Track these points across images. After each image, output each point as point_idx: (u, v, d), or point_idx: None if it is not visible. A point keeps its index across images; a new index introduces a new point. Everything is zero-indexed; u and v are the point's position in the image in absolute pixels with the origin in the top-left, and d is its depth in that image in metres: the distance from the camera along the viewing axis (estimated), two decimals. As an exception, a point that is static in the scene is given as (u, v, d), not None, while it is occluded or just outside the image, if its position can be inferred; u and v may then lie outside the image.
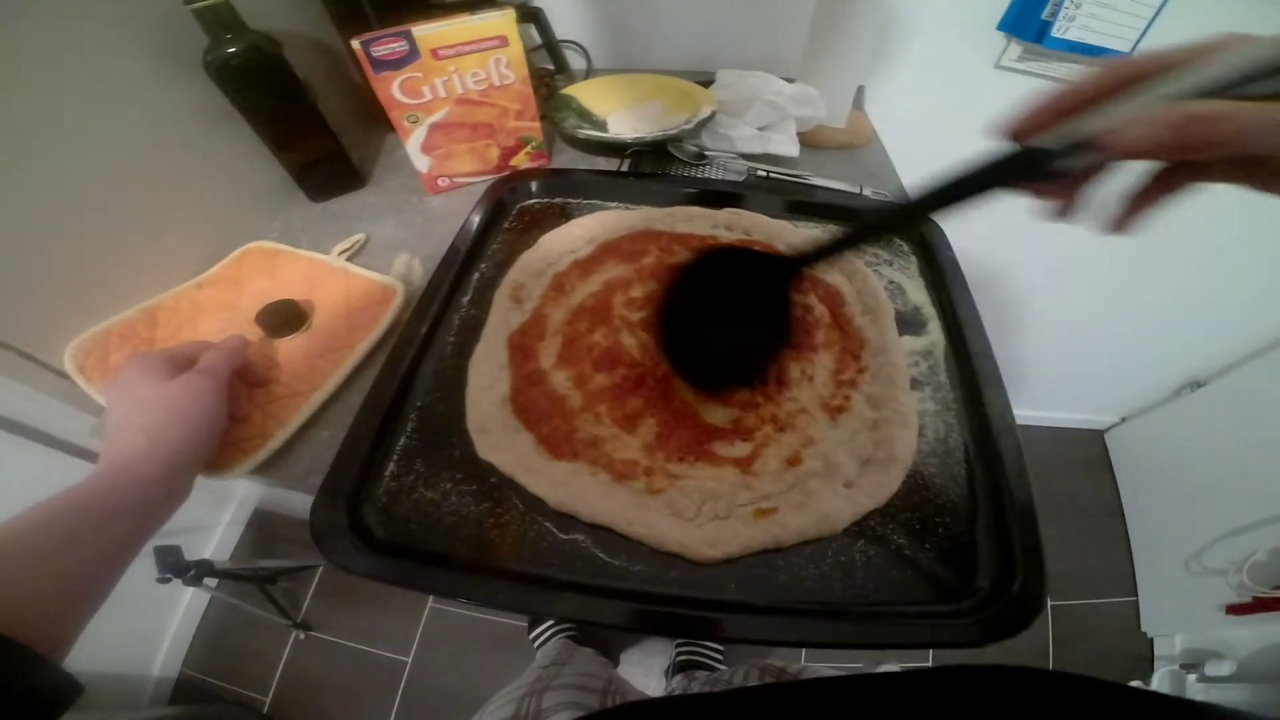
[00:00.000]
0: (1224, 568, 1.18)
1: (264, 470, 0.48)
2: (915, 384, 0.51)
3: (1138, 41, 0.79)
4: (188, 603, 1.42)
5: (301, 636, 1.41)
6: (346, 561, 0.40)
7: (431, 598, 1.45)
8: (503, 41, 0.62)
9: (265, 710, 1.35)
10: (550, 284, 0.57)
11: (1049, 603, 1.35)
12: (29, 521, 0.33)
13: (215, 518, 1.51)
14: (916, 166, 0.79)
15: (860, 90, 0.89)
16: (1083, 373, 1.45)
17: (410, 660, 1.39)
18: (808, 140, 0.76)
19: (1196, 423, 1.39)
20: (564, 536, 0.43)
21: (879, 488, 0.44)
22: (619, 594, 0.40)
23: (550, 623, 1.31)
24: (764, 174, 0.69)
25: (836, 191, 0.67)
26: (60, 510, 0.34)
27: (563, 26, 0.85)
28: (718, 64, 0.83)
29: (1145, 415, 1.56)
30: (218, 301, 0.61)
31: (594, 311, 0.54)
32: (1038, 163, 0.29)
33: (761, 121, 0.70)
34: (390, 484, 0.45)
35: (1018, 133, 0.30)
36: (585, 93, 0.79)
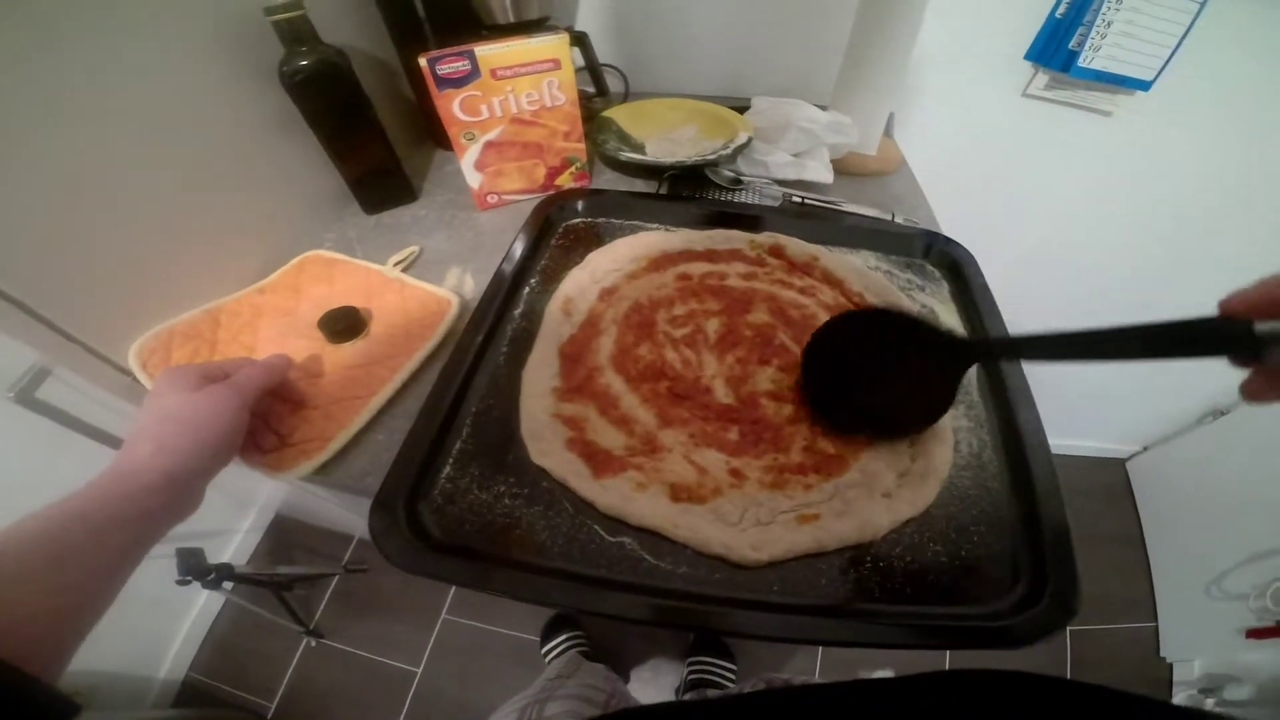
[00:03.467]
0: (1245, 592, 1.17)
1: (323, 472, 0.50)
2: (949, 403, 0.53)
3: (1160, 71, 0.82)
4: (201, 606, 1.43)
5: (313, 644, 1.42)
6: (403, 560, 0.42)
7: (445, 609, 1.47)
8: (556, 64, 0.66)
9: (269, 716, 1.35)
10: (597, 299, 0.60)
11: (1068, 626, 1.35)
12: (20, 532, 0.32)
13: (236, 523, 1.53)
14: (943, 193, 0.82)
15: (890, 117, 0.92)
16: (1106, 402, 1.46)
17: (420, 671, 1.39)
18: (839, 167, 0.78)
19: (1219, 450, 1.39)
20: (611, 539, 0.45)
21: (917, 497, 0.46)
22: (665, 594, 0.42)
23: (563, 637, 1.32)
24: (798, 200, 0.72)
25: (868, 218, 0.70)
26: (54, 520, 0.33)
27: (601, 50, 0.89)
28: (751, 89, 0.86)
29: (1168, 444, 1.56)
30: (278, 307, 0.64)
31: (640, 327, 0.57)
32: (1244, 344, 0.29)
33: (796, 148, 0.73)
34: (446, 485, 0.47)
35: (1238, 311, 0.30)
36: (624, 116, 0.83)
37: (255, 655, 1.42)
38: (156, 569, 1.10)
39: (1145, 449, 1.63)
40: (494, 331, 0.58)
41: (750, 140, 0.73)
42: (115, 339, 0.56)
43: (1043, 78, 0.88)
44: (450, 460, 0.49)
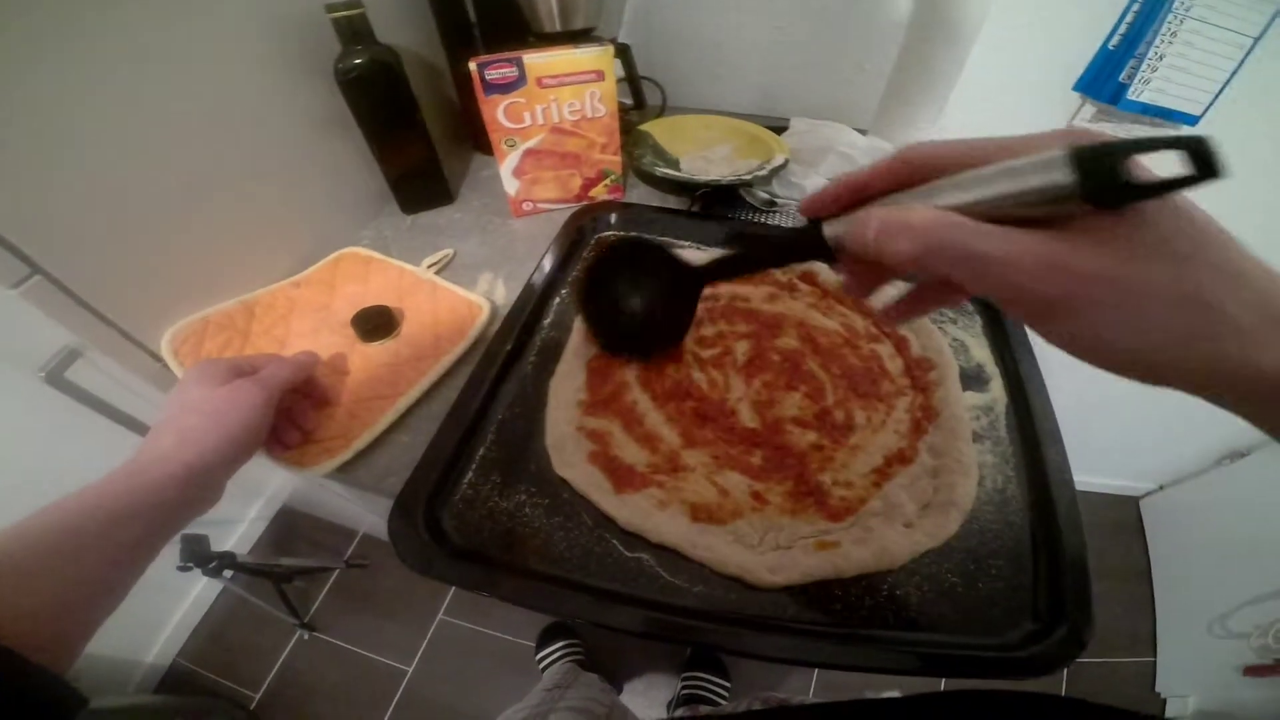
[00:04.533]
0: (1248, 631, 1.16)
1: (345, 470, 0.51)
2: (976, 437, 0.52)
3: (1208, 106, 0.81)
4: (197, 593, 1.43)
5: (305, 636, 1.42)
6: (418, 563, 0.42)
7: (443, 609, 1.46)
8: (599, 76, 0.67)
9: (252, 707, 1.35)
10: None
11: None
12: (35, 525, 0.32)
13: (242, 512, 1.53)
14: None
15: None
16: (1124, 440, 1.44)
17: (411, 670, 1.39)
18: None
19: (1234, 491, 1.39)
20: (629, 555, 0.45)
21: (938, 529, 0.45)
22: (679, 611, 0.42)
23: (559, 645, 1.32)
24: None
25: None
26: (70, 512, 0.33)
27: (641, 63, 0.90)
28: (789, 110, 0.86)
29: (1184, 484, 1.55)
30: (312, 301, 0.65)
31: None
32: (822, 246, 0.31)
33: (834, 172, 0.73)
34: (467, 491, 0.48)
35: (811, 211, 0.31)
36: (660, 130, 0.83)
37: (246, 645, 1.42)
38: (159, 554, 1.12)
39: (1160, 487, 1.62)
40: (523, 341, 0.58)
41: (787, 162, 0.73)
42: (150, 325, 0.57)
43: (1089, 109, 0.87)
44: (473, 466, 0.50)
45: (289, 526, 1.60)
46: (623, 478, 0.48)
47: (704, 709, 1.04)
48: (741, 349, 0.58)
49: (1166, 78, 0.79)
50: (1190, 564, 1.46)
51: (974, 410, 0.54)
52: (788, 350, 0.57)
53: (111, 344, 0.55)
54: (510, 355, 0.57)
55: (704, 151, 0.81)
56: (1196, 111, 0.81)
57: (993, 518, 0.47)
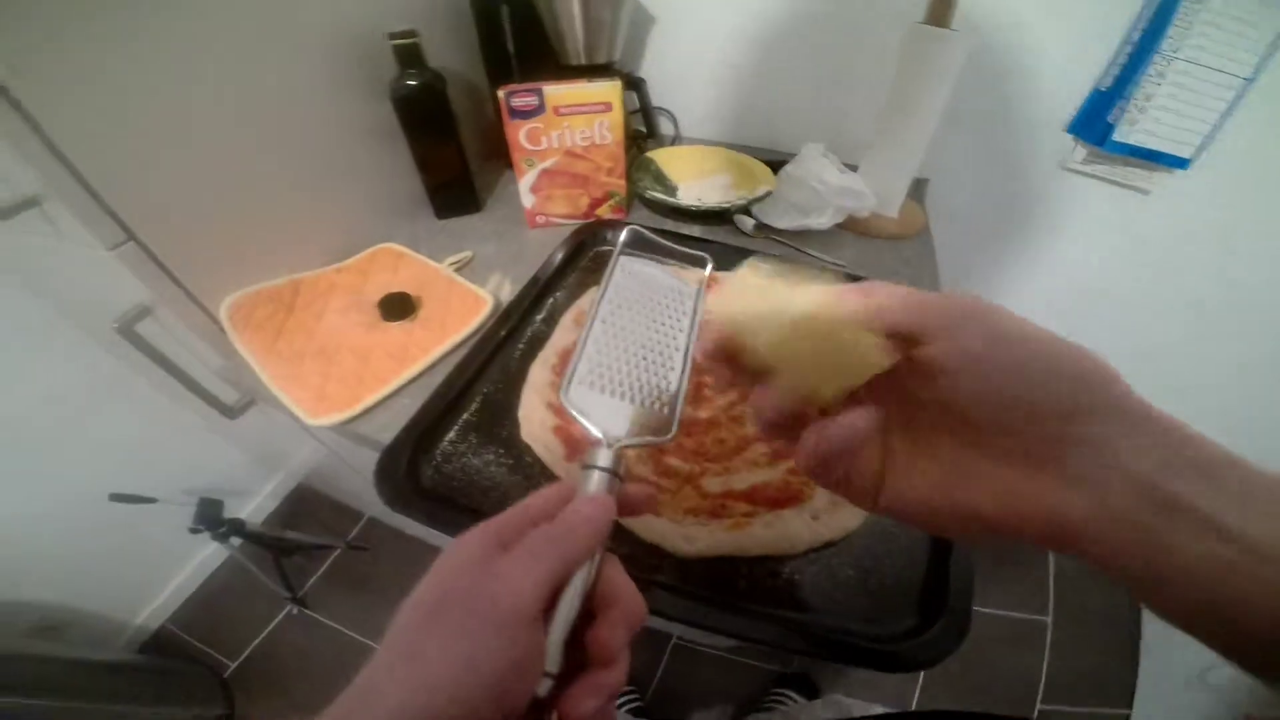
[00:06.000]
0: (1223, 684, 1.13)
1: (350, 424, 0.61)
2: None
3: (1200, 148, 0.81)
4: (200, 561, 1.47)
5: (295, 612, 1.44)
6: (392, 498, 0.51)
7: None
8: (608, 107, 0.76)
9: (226, 675, 1.35)
10: (606, 314, 0.69)
11: (1037, 706, 1.30)
12: None
13: (260, 485, 1.58)
14: (966, 260, 0.85)
15: (924, 184, 0.98)
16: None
17: None
18: (860, 228, 0.85)
19: None
20: (572, 514, 0.53)
21: (840, 524, 0.51)
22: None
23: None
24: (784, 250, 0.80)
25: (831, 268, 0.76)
26: None
27: (659, 94, 1.00)
28: (795, 144, 0.93)
29: None
30: (348, 285, 0.76)
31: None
32: None
33: (808, 206, 0.80)
34: (446, 448, 0.57)
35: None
36: (665, 158, 0.92)
37: (235, 615, 1.44)
38: (170, 515, 1.18)
39: None
40: (516, 329, 0.68)
41: (768, 193, 0.81)
42: (212, 292, 0.68)
43: (1081, 151, 0.89)
44: (455, 427, 0.59)
45: (301, 504, 1.64)
46: (574, 449, 0.56)
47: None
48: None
49: (1156, 119, 0.80)
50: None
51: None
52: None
53: (179, 305, 0.66)
54: (503, 340, 0.66)
55: (703, 180, 0.89)
56: (1186, 154, 0.82)
57: (896, 522, 0.52)
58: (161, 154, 0.60)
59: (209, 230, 0.66)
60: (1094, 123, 0.84)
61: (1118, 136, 0.82)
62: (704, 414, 0.59)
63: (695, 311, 0.41)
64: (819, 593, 0.48)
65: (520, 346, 0.67)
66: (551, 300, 0.72)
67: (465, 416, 0.60)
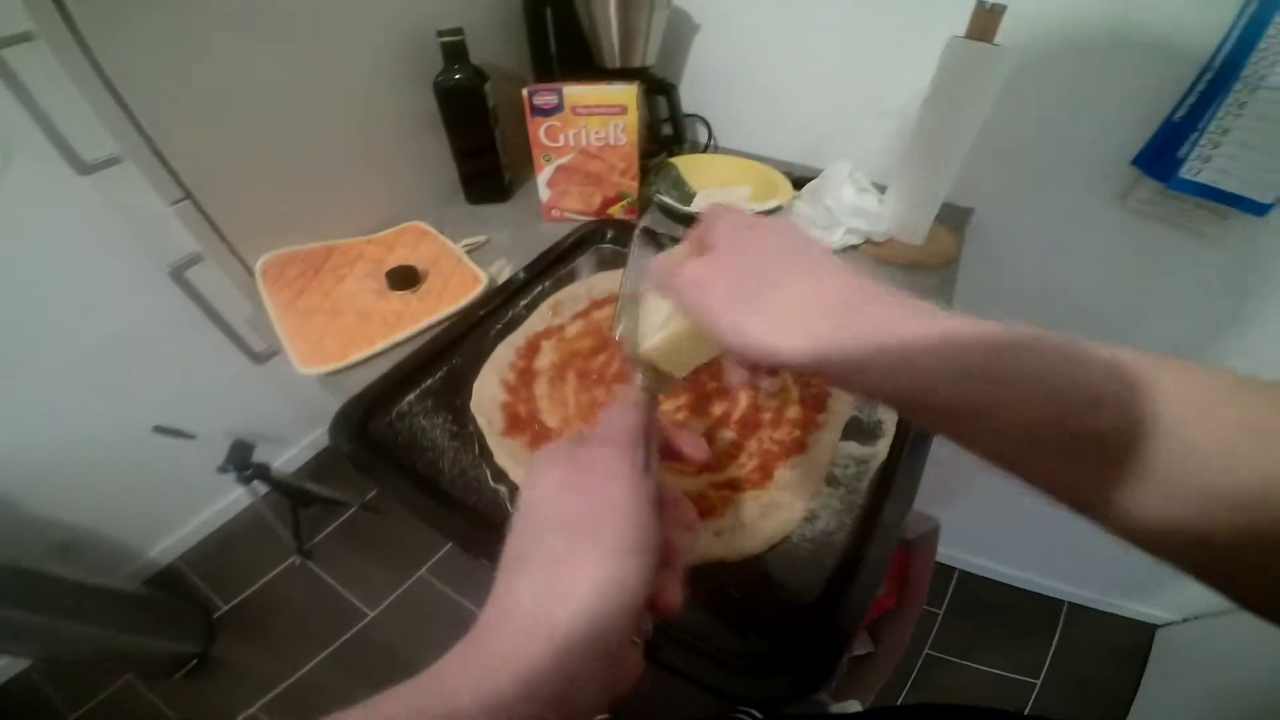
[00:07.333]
0: None
1: (335, 375, 0.67)
2: (833, 481, 0.55)
3: None
4: (223, 504, 1.55)
5: (298, 563, 1.51)
6: (336, 437, 0.57)
7: (426, 567, 1.53)
8: (623, 110, 0.79)
9: (216, 616, 1.44)
10: (582, 310, 0.72)
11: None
12: None
13: (299, 438, 1.66)
14: (1004, 303, 0.78)
15: (968, 213, 0.91)
16: (1164, 572, 1.24)
17: (373, 615, 1.46)
18: (880, 253, 0.81)
19: (1241, 637, 1.25)
20: (492, 485, 0.56)
21: (739, 545, 0.50)
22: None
23: None
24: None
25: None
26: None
27: (698, 101, 1.01)
28: (828, 160, 0.90)
29: (1206, 620, 1.39)
30: (373, 256, 0.84)
31: (596, 332, 0.68)
32: None
33: (823, 223, 0.78)
34: (403, 407, 0.62)
35: None
36: (687, 164, 0.93)
37: (240, 560, 1.52)
38: (201, 453, 1.26)
39: (1184, 620, 1.43)
40: (496, 311, 0.72)
41: (780, 207, 0.79)
42: (253, 249, 0.77)
43: (1145, 189, 0.79)
44: (417, 390, 0.64)
45: (331, 462, 1.70)
46: (511, 424, 0.59)
47: None
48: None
49: (1231, 155, 0.70)
50: (1173, 703, 1.32)
51: (847, 459, 0.57)
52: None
53: (222, 259, 0.76)
54: (482, 319, 0.71)
55: (723, 189, 0.89)
56: (1267, 199, 0.71)
57: (807, 555, 0.50)
58: (221, 125, 0.69)
59: (257, 195, 0.76)
60: (1163, 157, 0.74)
61: (1186, 173, 0.72)
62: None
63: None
64: (697, 609, 0.47)
65: (497, 327, 0.71)
66: (539, 289, 0.76)
67: (429, 382, 0.65)
